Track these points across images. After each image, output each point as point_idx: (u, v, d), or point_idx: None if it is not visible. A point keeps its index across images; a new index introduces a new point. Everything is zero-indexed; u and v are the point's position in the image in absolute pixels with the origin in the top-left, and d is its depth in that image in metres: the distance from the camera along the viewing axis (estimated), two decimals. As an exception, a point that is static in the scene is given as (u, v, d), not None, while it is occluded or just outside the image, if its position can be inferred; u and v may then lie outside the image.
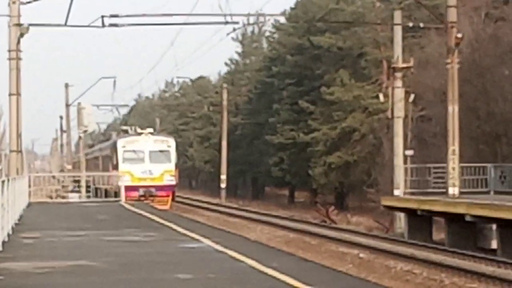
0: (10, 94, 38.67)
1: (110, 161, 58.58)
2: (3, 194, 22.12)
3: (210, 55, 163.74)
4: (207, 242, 22.63)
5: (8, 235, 22.86)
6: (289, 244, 37.85)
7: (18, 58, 37.74)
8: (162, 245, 22.37)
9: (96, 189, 57.58)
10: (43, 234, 25.68)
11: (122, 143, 55.20)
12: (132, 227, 28.98)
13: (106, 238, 24.81)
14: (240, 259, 17.94)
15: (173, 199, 55.77)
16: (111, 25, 40.12)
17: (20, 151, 41.40)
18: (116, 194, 50.58)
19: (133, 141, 55.15)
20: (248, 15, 62.35)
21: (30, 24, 38.15)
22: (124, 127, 75.46)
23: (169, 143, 56.68)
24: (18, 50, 37.60)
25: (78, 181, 62.98)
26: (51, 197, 53.96)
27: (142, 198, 48.87)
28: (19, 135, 40.74)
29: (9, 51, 37.64)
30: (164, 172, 53.49)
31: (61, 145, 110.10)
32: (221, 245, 21.36)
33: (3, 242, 20.55)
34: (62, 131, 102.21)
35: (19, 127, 40.13)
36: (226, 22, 51.19)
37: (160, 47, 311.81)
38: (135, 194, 49.20)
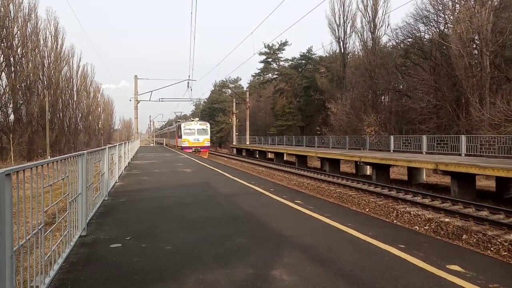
0: (134, 118, 37.08)
1: (176, 134, 41.36)
2: (133, 143, 21.40)
3: (186, 107, 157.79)
4: (186, 155, 22.43)
5: (133, 155, 22.05)
6: (209, 157, 37.16)
7: (137, 109, 36.23)
8: (175, 157, 21.66)
9: (158, 142, 55.38)
10: (143, 154, 24.67)
11: (183, 125, 36.67)
12: (168, 152, 28.10)
13: (160, 154, 23.99)
14: (200, 163, 17.31)
15: (208, 153, 37.82)
16: (161, 100, 38.80)
17: (137, 133, 39.72)
18: (166, 145, 46.59)
19: (189, 124, 36.82)
20: (195, 99, 61.34)
21: (140, 100, 36.49)
22: (178, 119, 53.54)
23: (207, 125, 37.47)
24: (136, 107, 36.11)
25: (153, 141, 60.55)
26: (145, 144, 51.67)
27: (193, 153, 32.59)
28: (137, 128, 39.13)
29: (134, 107, 36.09)
30: (204, 140, 35.48)
31: (148, 130, 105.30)
32: (193, 158, 21.10)
33: (132, 158, 19.87)
34: (149, 126, 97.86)
35: (137, 126, 38.72)
36: (191, 100, 51.54)
37: (172, 106, 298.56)
38: (190, 150, 33.74)
